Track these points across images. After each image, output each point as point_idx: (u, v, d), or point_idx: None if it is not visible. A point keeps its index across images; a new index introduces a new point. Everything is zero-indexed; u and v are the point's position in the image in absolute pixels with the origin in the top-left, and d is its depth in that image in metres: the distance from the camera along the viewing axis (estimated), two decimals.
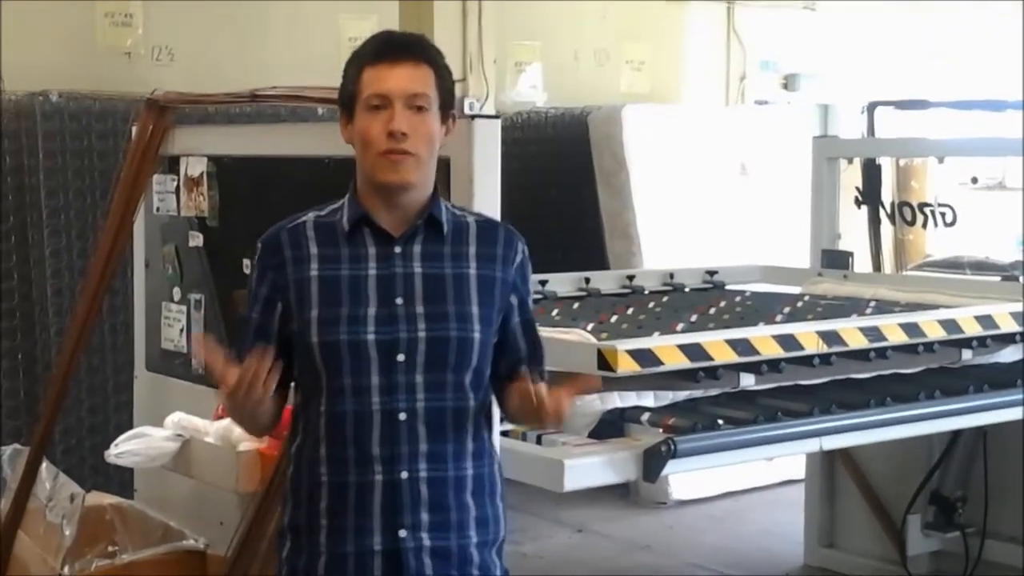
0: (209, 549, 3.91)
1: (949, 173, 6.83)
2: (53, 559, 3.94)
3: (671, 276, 4.97)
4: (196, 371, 4.24)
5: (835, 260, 5.26)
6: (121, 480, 4.77)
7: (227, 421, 3.74)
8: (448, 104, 2.62)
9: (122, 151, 4.56)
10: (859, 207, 5.59)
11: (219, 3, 6.38)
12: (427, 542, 2.59)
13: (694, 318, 4.20)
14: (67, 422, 5.46)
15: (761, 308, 4.49)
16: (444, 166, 3.35)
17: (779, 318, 4.18)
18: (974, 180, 7.51)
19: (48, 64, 5.79)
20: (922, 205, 5.61)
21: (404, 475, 2.58)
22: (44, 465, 4.23)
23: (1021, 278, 5.10)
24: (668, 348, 3.37)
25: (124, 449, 3.85)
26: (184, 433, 3.84)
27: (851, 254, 5.34)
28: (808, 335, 3.63)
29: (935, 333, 3.88)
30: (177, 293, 4.32)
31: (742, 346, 3.49)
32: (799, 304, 4.56)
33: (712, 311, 4.38)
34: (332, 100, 4.04)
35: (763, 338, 3.55)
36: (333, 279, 2.58)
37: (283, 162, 4.02)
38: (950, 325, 3.89)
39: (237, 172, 4.16)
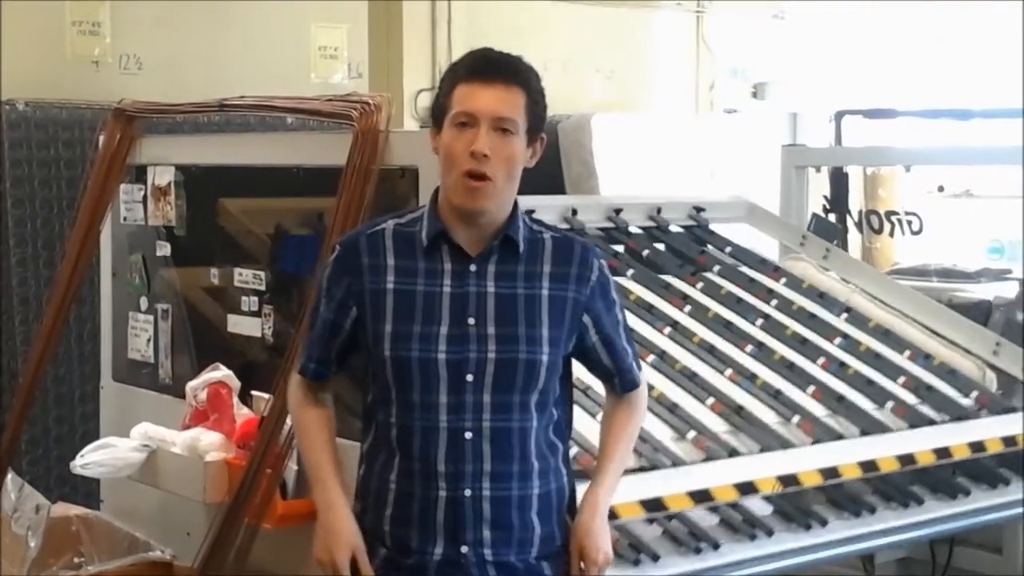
0: (176, 560, 3.88)
1: (916, 181, 6.86)
2: (18, 570, 3.91)
3: (658, 211, 4.81)
4: (163, 381, 4.22)
5: (824, 229, 5.17)
6: (87, 491, 4.74)
7: (194, 431, 3.73)
8: (537, 128, 2.66)
9: (89, 160, 4.54)
10: (827, 215, 5.62)
11: (188, 12, 6.35)
12: (489, 556, 2.65)
13: (667, 311, 4.21)
14: (33, 432, 5.42)
15: (739, 286, 4.48)
16: (413, 175, 3.36)
17: (749, 348, 4.13)
18: (940, 188, 7.56)
19: (15, 72, 5.75)
20: (889, 213, 5.65)
21: (467, 492, 2.64)
22: (9, 476, 4.20)
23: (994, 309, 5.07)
24: (630, 505, 3.29)
25: (90, 460, 3.82)
26: (151, 443, 3.82)
27: (840, 228, 5.26)
28: (767, 480, 3.55)
29: (926, 459, 3.85)
30: (144, 303, 4.30)
31: (700, 495, 3.43)
32: (773, 302, 4.48)
33: (687, 308, 4.30)
34: (301, 110, 4.08)
35: (723, 487, 3.48)
36: (408, 293, 2.63)
37: (252, 172, 4.02)
38: (942, 452, 3.87)
39: (205, 181, 4.15)
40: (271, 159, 3.97)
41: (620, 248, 4.55)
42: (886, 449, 3.75)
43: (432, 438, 2.63)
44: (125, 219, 4.35)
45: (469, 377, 2.62)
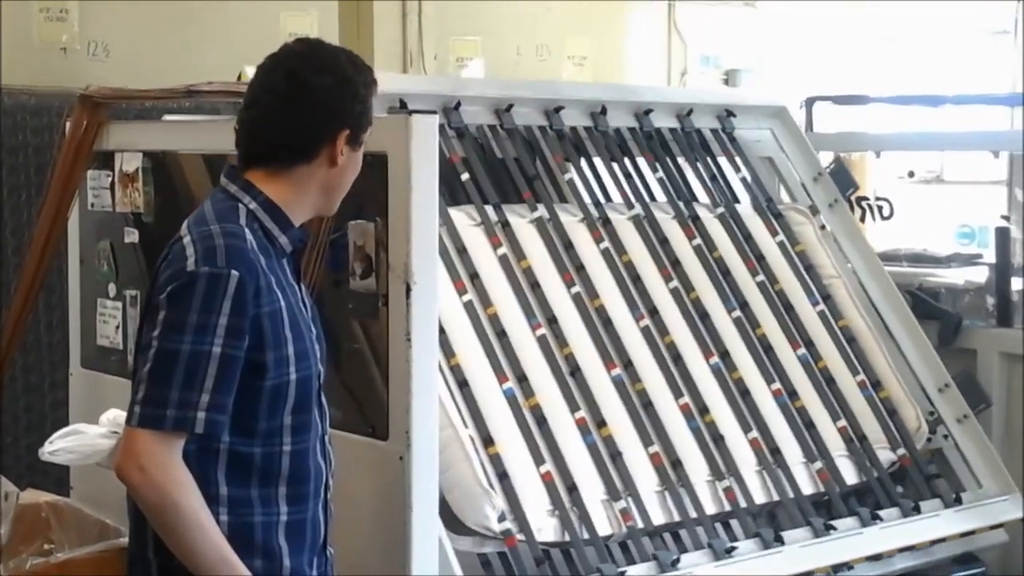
0: None
1: (886, 167, 6.89)
2: None
3: (688, 112, 4.79)
4: (131, 368, 4.20)
5: (841, 178, 5.15)
6: (58, 478, 4.71)
7: None
8: None
9: (56, 147, 4.51)
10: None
11: None
12: (332, 552, 2.70)
13: (655, 286, 4.29)
14: (3, 420, 5.40)
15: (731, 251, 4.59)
16: (381, 163, 3.35)
17: (713, 360, 4.27)
18: (911, 174, 7.59)
19: None
20: (860, 199, 5.65)
21: (329, 496, 2.65)
22: None
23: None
24: None
25: (59, 447, 3.79)
26: (119, 430, 3.78)
27: (855, 187, 5.28)
28: None
29: (923, 546, 4.26)
30: (112, 290, 4.28)
31: None
32: (759, 277, 4.58)
33: (672, 283, 4.37)
34: None
35: None
36: (291, 307, 2.53)
37: (219, 158, 4.00)
38: (841, 566, 4.09)
39: (173, 168, 4.12)
40: None
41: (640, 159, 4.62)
42: (789, 564, 3.95)
43: (317, 455, 2.60)
44: (93, 206, 4.32)
45: (317, 385, 2.60)
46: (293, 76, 2.56)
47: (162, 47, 6.27)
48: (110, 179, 4.23)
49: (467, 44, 7.81)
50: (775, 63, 9.24)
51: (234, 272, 2.41)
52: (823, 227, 4.93)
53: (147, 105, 4.79)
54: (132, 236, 4.20)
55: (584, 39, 8.41)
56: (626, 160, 4.59)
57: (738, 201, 4.82)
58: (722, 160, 4.85)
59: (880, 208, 5.59)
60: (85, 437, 3.81)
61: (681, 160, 4.75)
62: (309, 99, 2.54)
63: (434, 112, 3.37)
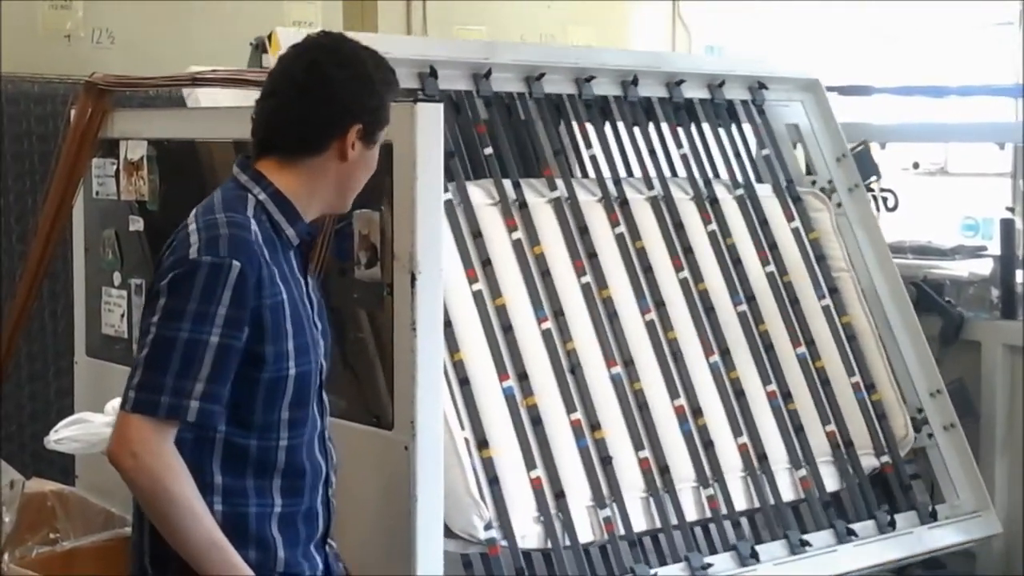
0: None
1: (891, 159, 6.89)
2: None
3: (720, 84, 4.80)
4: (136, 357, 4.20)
5: (864, 163, 5.20)
6: (63, 466, 4.72)
7: None
8: None
9: (61, 134, 4.51)
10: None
11: None
12: (335, 545, 2.71)
13: (665, 275, 4.28)
14: (7, 408, 5.39)
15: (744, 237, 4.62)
16: (387, 151, 3.35)
17: (713, 358, 4.30)
18: (915, 165, 7.58)
19: None
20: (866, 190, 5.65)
21: (330, 492, 2.66)
22: None
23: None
24: None
25: (64, 435, 3.79)
26: None
27: (878, 174, 5.30)
28: None
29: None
30: (117, 278, 4.28)
31: None
32: (768, 267, 4.60)
33: (682, 274, 4.37)
34: None
35: None
36: (293, 302, 2.52)
37: (224, 146, 3.99)
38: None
39: (178, 156, 4.12)
40: (244, 133, 3.94)
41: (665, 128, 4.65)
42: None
43: (315, 449, 2.60)
44: (97, 194, 4.32)
45: (317, 382, 2.60)
46: (313, 66, 2.57)
47: (167, 35, 6.25)
48: (115, 167, 4.23)
49: (472, 33, 7.79)
50: (780, 53, 9.21)
51: (235, 262, 2.41)
52: (839, 204, 4.94)
53: (152, 93, 4.78)
54: (137, 224, 4.20)
55: (588, 28, 8.38)
56: (651, 128, 4.58)
57: (760, 179, 4.82)
58: (747, 129, 4.85)
59: (885, 200, 5.59)
60: (90, 426, 3.81)
61: (706, 127, 4.75)
62: (324, 90, 2.55)
63: (439, 100, 3.37)
